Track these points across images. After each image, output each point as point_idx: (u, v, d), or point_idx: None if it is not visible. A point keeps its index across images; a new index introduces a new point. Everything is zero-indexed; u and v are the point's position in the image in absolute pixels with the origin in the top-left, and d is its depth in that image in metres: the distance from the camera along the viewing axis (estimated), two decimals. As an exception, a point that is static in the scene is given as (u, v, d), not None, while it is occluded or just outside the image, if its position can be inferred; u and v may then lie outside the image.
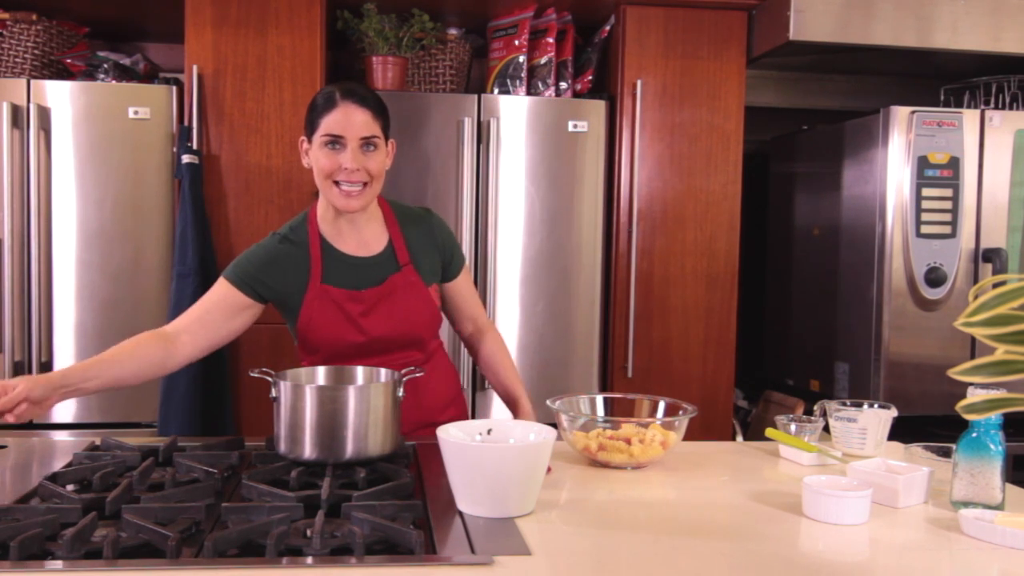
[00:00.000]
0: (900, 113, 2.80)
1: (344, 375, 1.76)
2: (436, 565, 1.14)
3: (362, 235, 1.88)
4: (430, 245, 1.93)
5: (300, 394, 1.56)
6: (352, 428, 1.55)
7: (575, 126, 2.96)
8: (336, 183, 1.77)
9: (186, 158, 2.75)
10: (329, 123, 1.75)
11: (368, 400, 1.56)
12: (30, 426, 2.80)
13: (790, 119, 3.53)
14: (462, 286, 2.01)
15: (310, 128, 1.79)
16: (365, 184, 1.78)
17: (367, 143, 1.77)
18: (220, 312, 1.82)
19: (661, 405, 1.83)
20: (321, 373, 1.75)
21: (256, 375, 1.68)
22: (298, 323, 1.85)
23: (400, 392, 1.63)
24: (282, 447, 1.58)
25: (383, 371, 1.73)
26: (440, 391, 1.98)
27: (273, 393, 1.59)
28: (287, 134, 2.85)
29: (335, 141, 1.75)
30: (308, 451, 1.55)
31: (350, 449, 1.55)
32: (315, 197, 1.93)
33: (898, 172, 2.80)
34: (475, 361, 2.08)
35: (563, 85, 3.11)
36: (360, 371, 1.76)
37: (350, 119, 1.75)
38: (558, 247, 2.98)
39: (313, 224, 1.87)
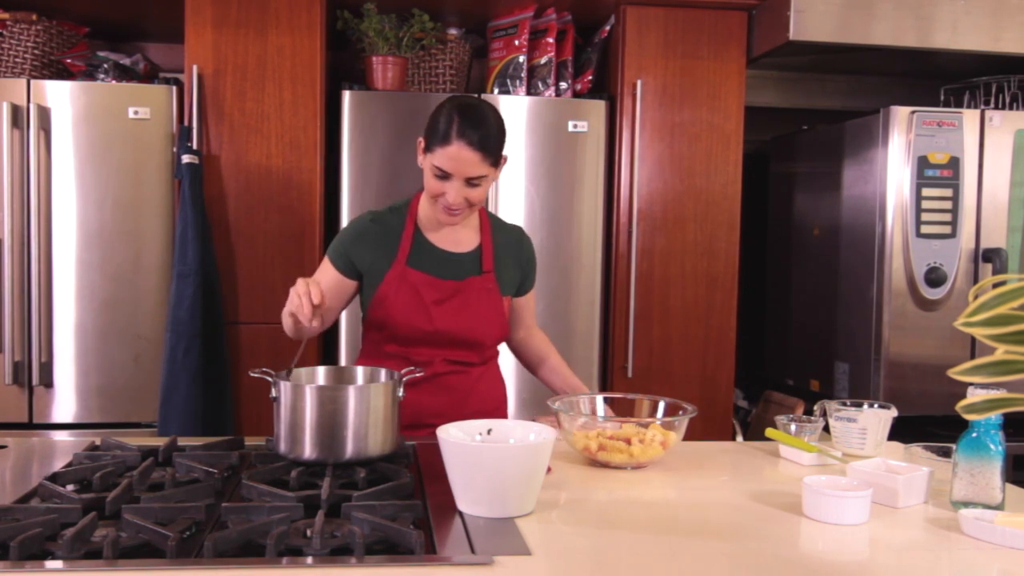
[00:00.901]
0: (900, 113, 2.80)
1: (344, 375, 1.76)
2: (436, 565, 1.14)
3: (456, 234, 1.96)
4: (515, 260, 2.03)
5: (300, 394, 1.56)
6: (352, 428, 1.55)
7: (575, 126, 2.96)
8: (439, 202, 1.85)
9: (186, 158, 2.75)
10: (440, 157, 1.80)
11: (368, 400, 1.56)
12: (30, 426, 2.80)
13: (790, 119, 3.53)
14: (529, 301, 2.13)
15: (428, 142, 1.84)
16: (465, 208, 1.86)
17: (473, 180, 1.82)
18: (333, 293, 1.93)
19: (661, 405, 1.83)
20: (321, 373, 1.75)
21: (256, 375, 1.69)
22: (373, 298, 1.90)
23: (400, 392, 1.63)
24: (282, 447, 1.58)
25: (383, 371, 1.74)
26: (487, 397, 2.02)
27: (273, 393, 1.59)
28: (287, 134, 2.85)
29: (443, 174, 1.81)
30: (308, 451, 1.55)
31: (350, 449, 1.55)
32: (421, 188, 1.97)
33: (898, 172, 2.80)
34: (524, 361, 2.17)
35: (563, 85, 3.11)
36: (360, 371, 1.77)
37: (461, 159, 1.79)
38: (558, 247, 2.98)
39: (413, 210, 1.95)
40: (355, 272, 1.93)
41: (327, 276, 1.94)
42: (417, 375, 1.73)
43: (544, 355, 2.13)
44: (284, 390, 1.57)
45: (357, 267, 1.93)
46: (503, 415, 2.08)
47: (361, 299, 1.98)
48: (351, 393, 1.56)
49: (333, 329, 2.90)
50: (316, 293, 1.68)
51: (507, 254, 2.01)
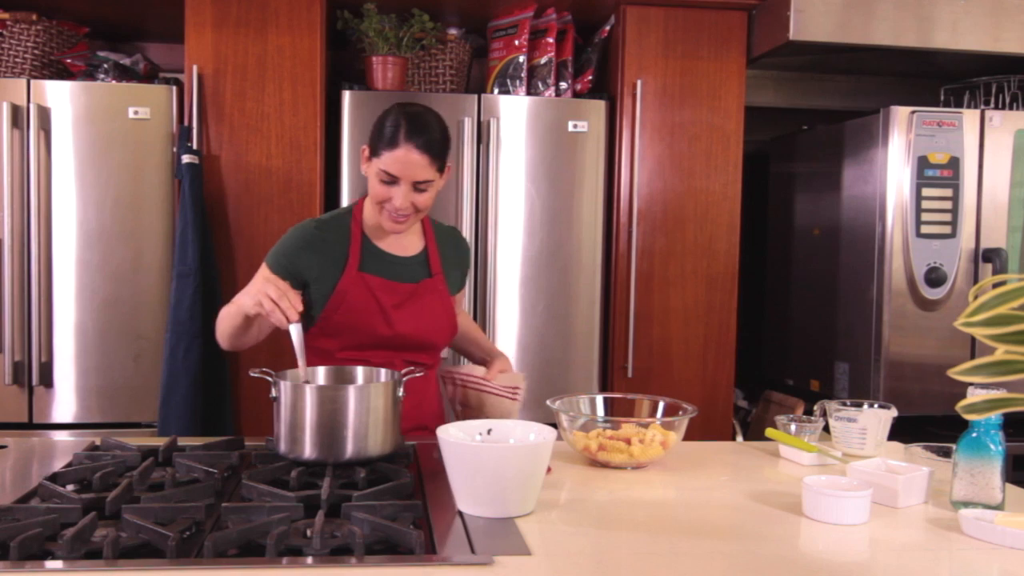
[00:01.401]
0: (900, 113, 2.80)
1: (344, 375, 1.76)
2: (436, 565, 1.14)
3: (402, 240, 1.97)
4: (457, 260, 2.06)
5: (300, 394, 1.56)
6: (352, 428, 1.55)
7: (575, 126, 2.96)
8: (385, 209, 1.85)
9: (186, 158, 2.75)
10: (387, 161, 1.79)
11: (368, 400, 1.56)
12: (30, 426, 2.80)
13: (790, 119, 3.53)
14: (462, 297, 2.15)
15: (372, 148, 1.83)
16: (411, 215, 1.86)
17: (420, 184, 1.82)
18: None
19: (661, 405, 1.83)
20: (321, 373, 1.75)
21: (256, 375, 1.69)
22: (327, 306, 1.87)
23: (400, 392, 1.63)
24: (282, 447, 1.58)
25: (383, 371, 1.74)
26: (438, 399, 2.05)
27: (273, 393, 1.59)
28: (287, 134, 2.85)
29: (391, 179, 1.80)
30: (308, 451, 1.55)
31: (350, 449, 1.55)
32: (364, 194, 1.97)
33: (898, 172, 2.80)
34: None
35: (563, 85, 3.11)
36: (360, 371, 1.76)
37: (408, 163, 1.79)
38: (558, 247, 2.98)
39: (357, 218, 1.94)
40: (299, 282, 1.86)
41: None
42: (417, 375, 1.73)
43: (470, 332, 2.15)
44: (284, 390, 1.57)
45: (303, 276, 1.87)
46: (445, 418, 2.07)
47: (310, 312, 1.93)
48: (351, 393, 1.56)
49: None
50: (297, 300, 1.66)
51: (450, 256, 2.03)
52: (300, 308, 1.66)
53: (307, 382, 1.64)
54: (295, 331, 1.67)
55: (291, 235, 1.92)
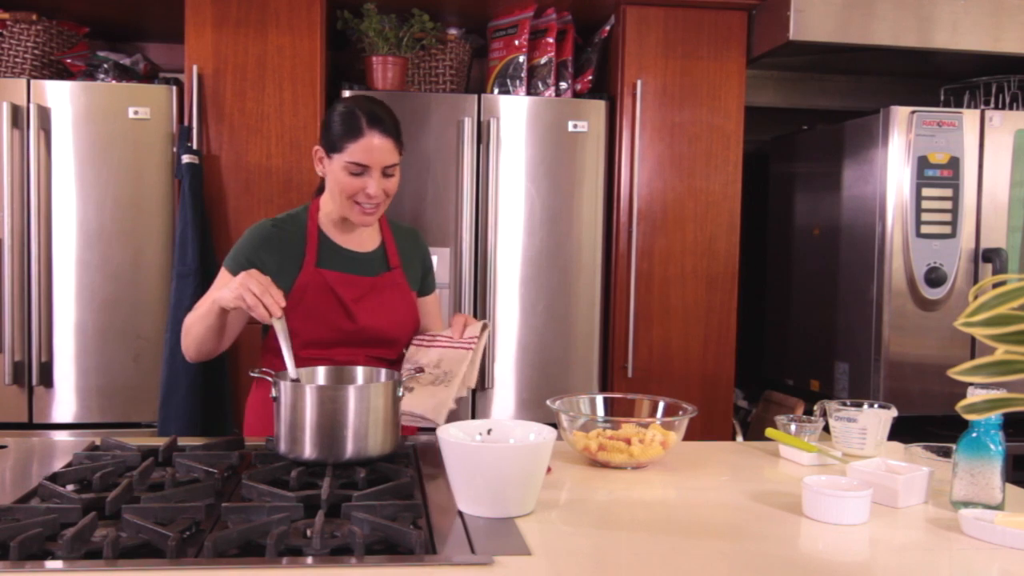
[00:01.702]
0: (900, 113, 2.80)
1: (344, 375, 1.76)
2: (436, 565, 1.14)
3: (360, 236, 1.96)
4: (416, 256, 2.04)
5: (300, 394, 1.56)
6: (352, 428, 1.55)
7: (575, 126, 2.96)
8: (357, 203, 1.85)
9: (186, 158, 2.75)
10: (355, 152, 1.80)
11: (368, 400, 1.56)
12: (30, 426, 2.80)
13: (790, 119, 3.53)
14: (432, 305, 2.10)
15: (331, 146, 1.83)
16: (381, 203, 1.87)
17: (388, 169, 1.84)
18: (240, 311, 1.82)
19: (661, 405, 1.83)
20: (321, 373, 1.75)
21: (256, 375, 1.69)
22: (286, 305, 1.83)
23: (400, 392, 1.63)
24: (282, 447, 1.58)
25: (383, 371, 1.73)
26: None
27: (273, 393, 1.59)
28: (287, 134, 2.85)
29: (361, 169, 1.81)
30: (308, 451, 1.55)
31: (350, 449, 1.55)
32: (317, 194, 1.98)
33: (898, 172, 2.80)
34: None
35: (563, 85, 3.11)
36: (360, 371, 1.76)
37: (376, 149, 1.81)
38: (558, 247, 2.98)
39: (313, 218, 1.94)
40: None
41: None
42: (420, 375, 1.73)
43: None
44: (284, 390, 1.57)
45: (263, 269, 1.83)
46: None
47: None
48: (351, 393, 1.56)
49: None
50: (279, 295, 1.65)
51: (408, 251, 2.03)
52: (283, 303, 1.65)
53: (295, 380, 1.63)
54: (280, 326, 1.65)
55: (248, 235, 1.91)
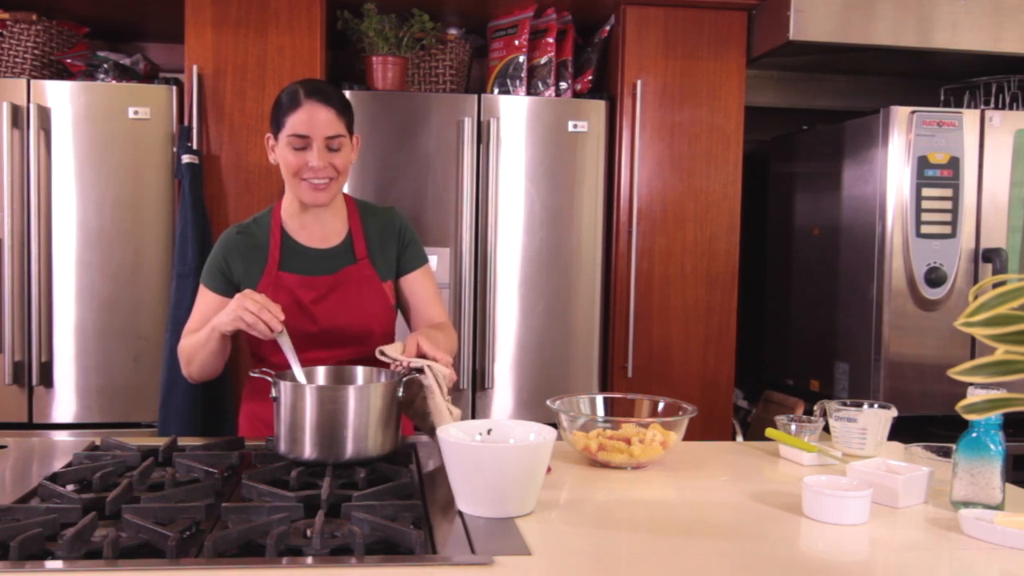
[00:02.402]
0: (900, 113, 2.80)
1: (344, 375, 1.76)
2: (436, 565, 1.14)
3: (324, 229, 1.92)
4: (389, 238, 1.95)
5: (300, 394, 1.56)
6: (352, 428, 1.55)
7: (575, 126, 2.96)
8: (303, 179, 1.82)
9: (186, 158, 2.75)
10: (295, 123, 1.79)
11: (368, 400, 1.56)
12: (30, 426, 2.80)
13: (790, 119, 3.53)
14: (417, 283, 1.97)
15: (276, 126, 1.83)
16: (331, 179, 1.83)
17: (332, 141, 1.80)
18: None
19: (661, 405, 1.83)
20: (321, 373, 1.75)
21: (256, 375, 1.69)
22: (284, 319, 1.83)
23: (400, 392, 1.63)
24: (282, 447, 1.58)
25: (383, 371, 1.73)
26: None
27: (273, 393, 1.59)
28: (287, 134, 2.84)
29: (302, 140, 1.79)
30: (308, 451, 1.55)
31: (350, 449, 1.55)
32: (281, 194, 1.98)
33: (898, 172, 2.80)
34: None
35: (563, 85, 3.11)
36: (360, 371, 1.76)
37: (315, 119, 1.78)
38: (558, 247, 2.98)
39: (276, 218, 1.92)
40: (235, 288, 1.85)
41: (210, 307, 1.84)
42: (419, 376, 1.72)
43: (420, 313, 1.98)
44: (284, 390, 1.57)
45: (235, 281, 1.87)
46: None
47: None
48: (351, 393, 1.56)
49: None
50: (277, 309, 1.66)
51: (380, 235, 1.95)
52: (282, 317, 1.66)
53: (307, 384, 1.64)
54: (283, 340, 1.67)
55: (216, 246, 1.92)
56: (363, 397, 1.56)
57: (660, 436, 1.68)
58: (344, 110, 1.83)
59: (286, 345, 1.67)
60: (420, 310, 1.97)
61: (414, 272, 1.97)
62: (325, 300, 1.86)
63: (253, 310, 1.63)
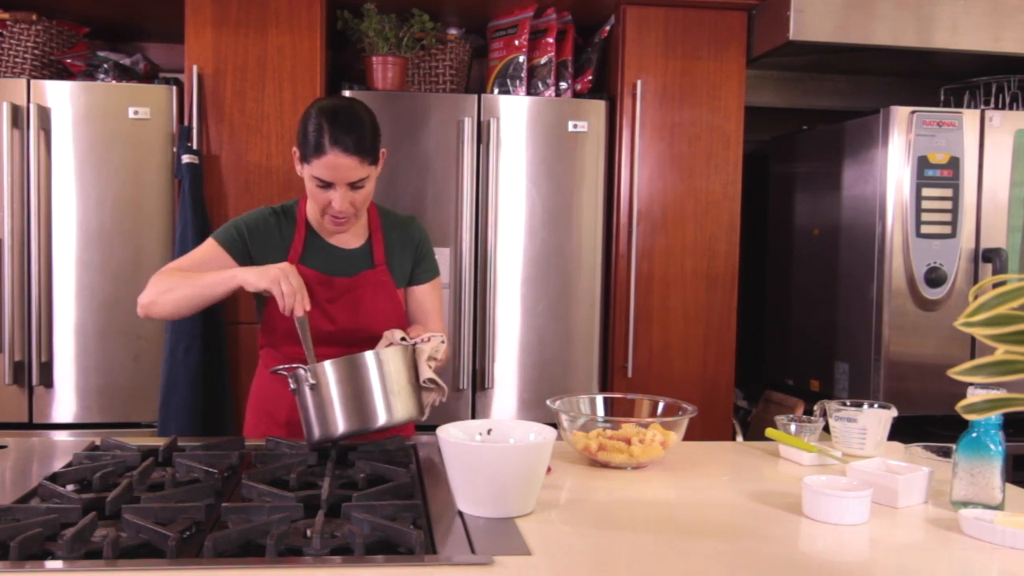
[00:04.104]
0: (900, 113, 2.80)
1: (354, 359, 1.76)
2: (436, 565, 1.14)
3: (346, 233, 1.95)
4: (408, 247, 1.99)
5: (321, 371, 1.61)
6: (379, 392, 1.61)
7: (575, 126, 2.96)
8: (325, 213, 1.84)
9: (186, 158, 2.75)
10: (318, 168, 1.78)
11: (388, 363, 1.63)
12: (30, 426, 2.80)
13: (790, 119, 3.53)
14: (424, 296, 2.01)
15: (302, 154, 1.82)
16: (353, 214, 1.85)
17: (355, 183, 1.80)
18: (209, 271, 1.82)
19: (661, 405, 1.83)
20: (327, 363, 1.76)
21: (283, 371, 1.70)
22: (269, 300, 1.85)
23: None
24: (316, 432, 1.62)
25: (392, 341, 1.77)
26: None
27: (292, 385, 1.62)
28: (287, 134, 2.85)
29: (325, 184, 1.79)
30: (342, 425, 1.60)
31: (381, 414, 1.61)
32: (301, 192, 1.97)
33: (898, 172, 2.80)
34: None
35: (563, 85, 3.11)
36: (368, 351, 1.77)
37: (338, 168, 1.77)
38: (558, 247, 2.98)
39: (302, 211, 1.94)
40: (247, 257, 1.86)
41: (210, 259, 1.84)
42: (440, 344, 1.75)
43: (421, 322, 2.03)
44: (304, 376, 1.61)
45: (250, 253, 1.87)
46: None
47: (256, 304, 1.94)
48: (370, 359, 1.62)
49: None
50: (307, 298, 1.69)
51: (399, 244, 1.98)
52: (308, 307, 1.69)
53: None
54: (303, 327, 1.69)
55: (246, 214, 1.93)
56: (382, 361, 1.62)
57: (660, 436, 1.68)
58: (368, 152, 1.79)
59: (305, 332, 1.69)
60: (420, 323, 2.00)
61: (423, 285, 2.02)
62: (340, 301, 1.88)
63: (292, 285, 1.66)
